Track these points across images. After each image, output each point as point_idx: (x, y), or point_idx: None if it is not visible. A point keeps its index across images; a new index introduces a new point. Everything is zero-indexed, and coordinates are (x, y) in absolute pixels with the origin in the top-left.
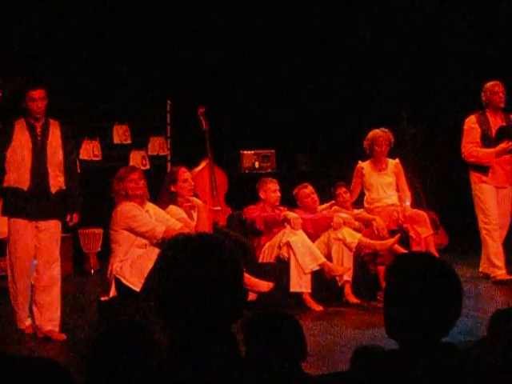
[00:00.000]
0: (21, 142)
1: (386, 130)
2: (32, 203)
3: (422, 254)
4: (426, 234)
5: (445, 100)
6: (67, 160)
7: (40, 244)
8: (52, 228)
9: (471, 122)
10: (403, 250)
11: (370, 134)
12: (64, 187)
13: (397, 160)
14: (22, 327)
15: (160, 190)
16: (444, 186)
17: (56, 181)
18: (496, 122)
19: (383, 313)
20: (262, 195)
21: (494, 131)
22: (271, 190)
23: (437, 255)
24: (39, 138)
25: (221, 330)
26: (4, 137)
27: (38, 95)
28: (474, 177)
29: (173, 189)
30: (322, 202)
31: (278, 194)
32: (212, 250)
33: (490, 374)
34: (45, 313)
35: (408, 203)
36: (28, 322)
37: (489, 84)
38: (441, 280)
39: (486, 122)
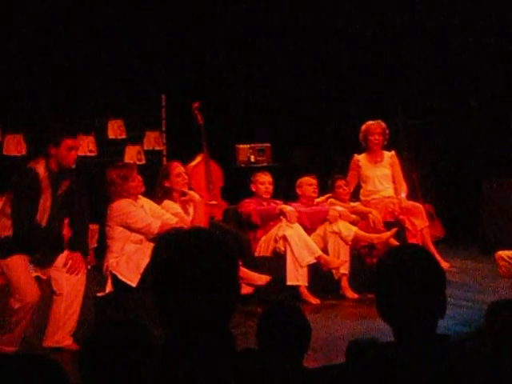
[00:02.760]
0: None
1: (379, 121)
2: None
3: (408, 245)
4: (421, 226)
5: (441, 91)
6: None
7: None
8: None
9: None
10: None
11: (364, 126)
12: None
13: (392, 152)
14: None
15: (154, 185)
16: (440, 179)
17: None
18: None
19: (375, 297)
20: (253, 188)
21: None
22: (260, 182)
23: (432, 247)
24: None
25: (216, 325)
26: (31, 192)
27: (75, 143)
28: None
29: (167, 184)
30: (317, 196)
31: (268, 186)
32: (207, 244)
33: (486, 365)
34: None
35: (404, 195)
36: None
37: None
38: (425, 269)
39: None
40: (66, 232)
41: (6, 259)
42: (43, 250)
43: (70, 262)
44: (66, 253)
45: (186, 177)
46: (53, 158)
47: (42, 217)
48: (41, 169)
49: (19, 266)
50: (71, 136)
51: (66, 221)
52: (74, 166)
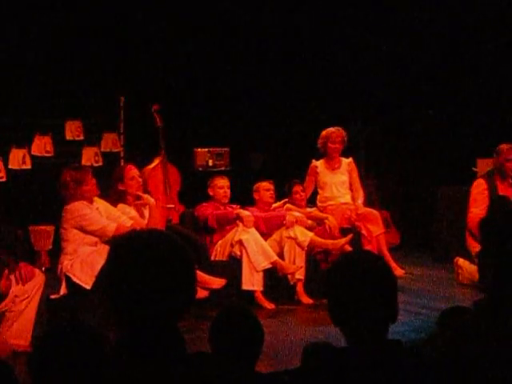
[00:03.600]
0: None
1: (339, 128)
2: None
3: (360, 251)
4: (377, 233)
5: (400, 100)
6: None
7: None
8: None
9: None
10: None
11: (324, 132)
12: None
13: (350, 159)
14: None
15: (109, 188)
16: (397, 186)
17: None
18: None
19: (327, 303)
20: (210, 192)
21: None
22: (217, 186)
23: (388, 254)
24: None
25: (168, 327)
26: None
27: None
28: None
29: (121, 187)
30: (274, 201)
31: (226, 190)
32: (163, 247)
33: (438, 371)
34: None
35: (361, 201)
36: None
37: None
38: (376, 275)
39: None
40: None
41: None
42: None
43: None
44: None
45: (140, 180)
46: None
47: None
48: None
49: None
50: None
51: None
52: None
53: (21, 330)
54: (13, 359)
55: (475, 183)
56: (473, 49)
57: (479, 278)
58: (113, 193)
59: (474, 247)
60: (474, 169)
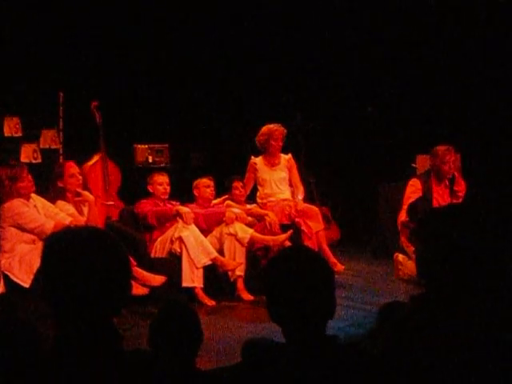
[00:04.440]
0: None
1: (280, 125)
2: None
3: (298, 247)
4: (317, 229)
5: (341, 93)
6: None
7: None
8: None
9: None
10: None
11: (265, 129)
12: None
13: (289, 155)
14: None
15: (48, 185)
16: (337, 182)
17: None
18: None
19: (265, 299)
20: (150, 189)
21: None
22: (157, 182)
23: (328, 250)
24: None
25: (104, 324)
26: None
27: None
28: None
29: (60, 184)
30: (214, 197)
31: (166, 187)
32: (96, 244)
33: (374, 366)
34: None
35: (300, 197)
36: None
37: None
38: (313, 271)
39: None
40: None
41: None
42: None
43: None
44: None
45: (80, 177)
46: None
47: None
48: None
49: None
50: None
51: None
52: None
53: None
54: None
55: (410, 182)
56: (413, 45)
57: (417, 274)
58: (52, 190)
59: (405, 244)
60: (413, 165)
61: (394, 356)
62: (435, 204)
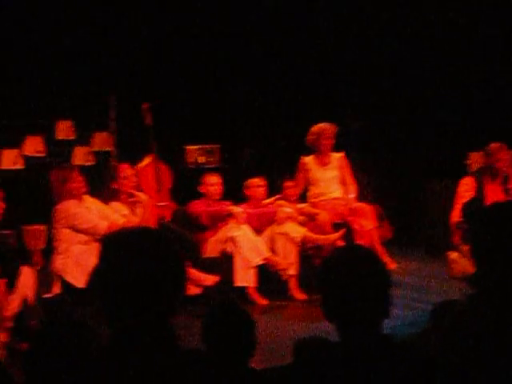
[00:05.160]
0: None
1: (331, 124)
2: None
3: (352, 246)
4: (369, 227)
5: (392, 90)
6: None
7: None
8: None
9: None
10: None
11: (316, 128)
12: None
13: (341, 154)
14: None
15: (102, 187)
16: (388, 179)
17: None
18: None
19: (320, 298)
20: (202, 189)
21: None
22: (210, 183)
23: (381, 248)
24: None
25: (160, 324)
26: None
27: None
28: None
29: (114, 185)
30: (266, 197)
31: (218, 187)
32: (153, 244)
33: (430, 366)
34: None
35: (353, 196)
36: None
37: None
38: (369, 270)
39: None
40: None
41: None
42: None
43: None
44: None
45: (134, 179)
46: None
47: None
48: None
49: None
50: None
51: None
52: None
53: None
54: (7, 358)
55: (463, 180)
56: (466, 39)
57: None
58: (106, 191)
59: (459, 243)
60: (466, 162)
61: (450, 356)
62: (489, 202)
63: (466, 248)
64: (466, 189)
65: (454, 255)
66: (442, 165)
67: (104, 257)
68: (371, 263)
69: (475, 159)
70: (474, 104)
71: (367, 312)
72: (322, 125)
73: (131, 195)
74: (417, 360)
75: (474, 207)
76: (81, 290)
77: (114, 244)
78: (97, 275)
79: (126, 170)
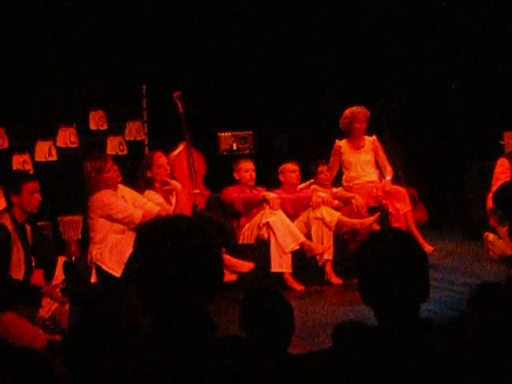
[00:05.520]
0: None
1: (363, 107)
2: None
3: (390, 229)
4: (405, 210)
5: (425, 71)
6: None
7: None
8: None
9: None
10: None
11: (348, 112)
12: None
13: (374, 137)
14: None
15: (136, 175)
16: (424, 162)
17: None
18: None
19: (358, 282)
20: (236, 176)
21: None
22: (243, 169)
23: (416, 231)
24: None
25: (198, 312)
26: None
27: (36, 186)
28: None
29: (149, 174)
30: (300, 182)
31: (252, 173)
32: (189, 232)
33: (468, 348)
34: None
35: (389, 178)
36: None
37: None
38: (407, 253)
39: None
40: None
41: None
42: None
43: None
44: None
45: (168, 167)
46: (16, 207)
47: (18, 271)
48: (7, 223)
49: (13, 321)
50: (30, 179)
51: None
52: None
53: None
54: (46, 350)
55: (499, 161)
56: (501, 21)
57: None
58: (141, 180)
59: (496, 225)
60: (501, 142)
61: (489, 339)
62: None
63: (503, 230)
64: (501, 170)
65: (491, 237)
66: (478, 145)
67: (141, 245)
68: (409, 247)
69: (510, 139)
70: (510, 83)
71: (406, 296)
72: (354, 108)
73: (166, 183)
74: (455, 343)
75: (505, 194)
76: (117, 278)
77: (151, 232)
78: (134, 264)
79: (160, 158)
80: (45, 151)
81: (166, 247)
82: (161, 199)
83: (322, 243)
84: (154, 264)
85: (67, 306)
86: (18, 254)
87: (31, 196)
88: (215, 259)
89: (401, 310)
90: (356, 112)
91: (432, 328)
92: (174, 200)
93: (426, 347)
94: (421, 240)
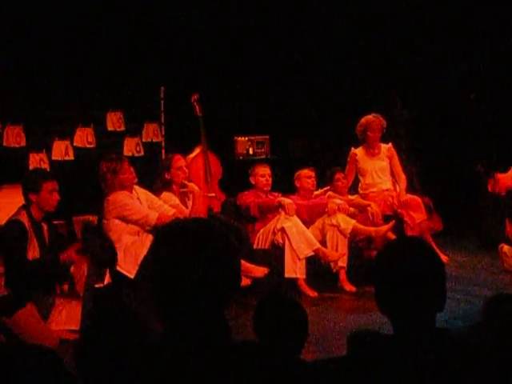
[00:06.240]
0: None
1: (378, 115)
2: None
3: (408, 238)
4: (420, 219)
5: (443, 81)
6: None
7: None
8: None
9: None
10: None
11: (363, 120)
12: None
13: (389, 144)
14: None
15: (154, 177)
16: (439, 171)
17: None
18: None
19: (374, 290)
20: (252, 180)
21: None
22: (259, 174)
23: (431, 240)
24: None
25: (214, 316)
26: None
27: (55, 185)
28: None
29: (167, 176)
30: (316, 188)
31: (268, 178)
32: (206, 235)
33: (484, 359)
34: None
35: (402, 187)
36: None
37: None
38: (424, 263)
39: None
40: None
41: (12, 318)
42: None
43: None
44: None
45: (187, 170)
46: (34, 205)
47: None
48: (24, 220)
49: (28, 319)
50: (50, 179)
51: None
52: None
53: (71, 315)
54: (59, 348)
55: None
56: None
57: None
58: (159, 181)
59: (511, 235)
60: None
61: (506, 351)
62: None
63: None
64: None
65: (505, 248)
66: (493, 155)
67: (158, 247)
68: (426, 256)
69: None
70: None
71: (422, 305)
72: (369, 117)
73: (183, 186)
74: (471, 354)
75: None
76: (131, 280)
77: (170, 234)
78: (150, 266)
79: (179, 161)
80: (62, 150)
81: (185, 250)
82: (177, 201)
83: (337, 250)
84: (171, 266)
85: (79, 307)
86: (33, 252)
87: (50, 195)
88: (234, 264)
89: (417, 320)
90: (370, 121)
91: (448, 338)
92: (190, 203)
93: (441, 357)
94: (435, 250)
